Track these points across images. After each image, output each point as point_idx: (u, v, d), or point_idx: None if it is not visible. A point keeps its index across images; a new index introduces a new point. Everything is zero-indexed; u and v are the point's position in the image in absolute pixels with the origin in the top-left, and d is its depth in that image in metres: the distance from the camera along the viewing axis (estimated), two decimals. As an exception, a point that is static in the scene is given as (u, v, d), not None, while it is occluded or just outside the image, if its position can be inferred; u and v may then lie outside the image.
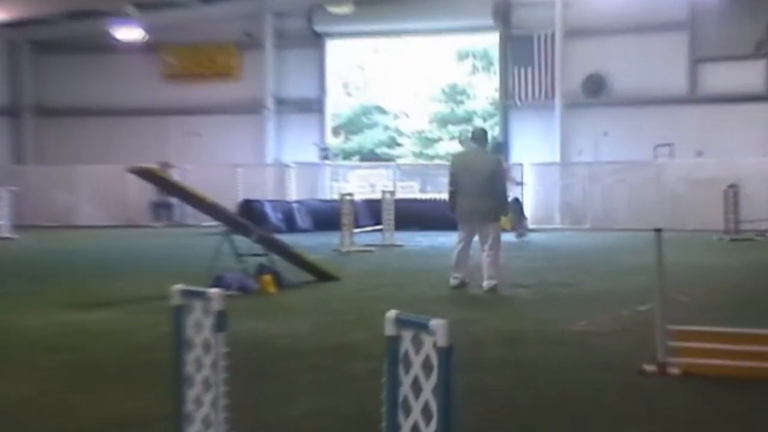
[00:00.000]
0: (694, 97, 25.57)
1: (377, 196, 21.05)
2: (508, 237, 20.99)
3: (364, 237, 18.90)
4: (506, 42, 27.79)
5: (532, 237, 21.41)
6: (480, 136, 11.91)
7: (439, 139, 41.44)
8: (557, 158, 26.70)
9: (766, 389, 5.99)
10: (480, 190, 11.45)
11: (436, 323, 3.33)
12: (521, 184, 20.86)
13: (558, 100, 26.60)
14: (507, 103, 28.03)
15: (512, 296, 10.92)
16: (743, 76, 24.85)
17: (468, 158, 11.81)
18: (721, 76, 25.15)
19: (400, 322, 3.56)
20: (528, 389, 6.07)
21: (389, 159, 37.77)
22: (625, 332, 8.14)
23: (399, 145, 42.76)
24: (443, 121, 41.96)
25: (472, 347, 7.36)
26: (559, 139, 26.72)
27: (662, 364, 6.41)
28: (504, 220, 23.48)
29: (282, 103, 29.21)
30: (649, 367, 6.43)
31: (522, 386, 6.17)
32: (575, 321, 8.77)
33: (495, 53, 30.77)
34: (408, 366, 3.51)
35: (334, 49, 29.86)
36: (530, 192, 26.17)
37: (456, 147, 40.28)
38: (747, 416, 5.43)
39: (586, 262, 15.10)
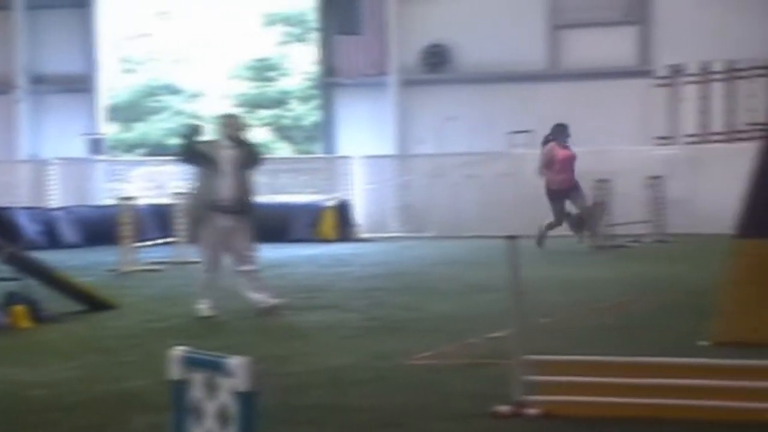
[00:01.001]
0: (555, 73, 26.43)
1: (168, 200, 20.75)
2: (335, 248, 21.18)
3: (151, 253, 18.58)
4: (326, 4, 27.96)
5: (364, 249, 21.61)
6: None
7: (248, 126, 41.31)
8: (393, 149, 27.06)
9: (646, 430, 6.21)
10: None
11: (234, 362, 3.29)
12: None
13: (392, 77, 26.97)
14: (329, 81, 28.19)
15: (339, 324, 10.97)
16: (612, 46, 25.86)
17: None
18: (587, 47, 26.08)
19: (189, 362, 3.51)
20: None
21: (182, 152, 37.29)
22: (476, 366, 8.30)
23: (195, 134, 42.26)
24: (252, 104, 41.79)
25: (286, 392, 7.32)
26: (395, 126, 27.10)
27: (519, 403, 6.55)
28: (326, 227, 24.06)
29: (38, 81, 28.40)
30: (504, 409, 6.56)
31: (350, 439, 6.19)
32: (416, 353, 8.88)
33: (313, 18, 30.88)
34: (199, 417, 3.46)
35: (106, 10, 29.27)
36: (360, 192, 26.41)
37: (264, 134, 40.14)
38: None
39: (429, 279, 15.34)
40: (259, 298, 11.72)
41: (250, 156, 11.95)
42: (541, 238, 19.78)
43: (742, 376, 6.42)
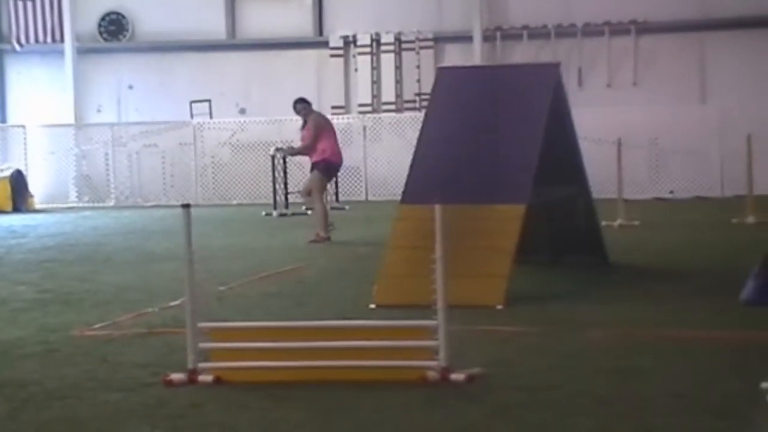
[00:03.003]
0: (235, 42, 26.41)
1: None
2: (10, 219, 20.39)
3: None
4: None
5: (40, 220, 20.95)
6: None
7: None
8: (71, 118, 26.30)
9: (316, 392, 6.32)
10: None
11: None
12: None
13: (69, 44, 26.15)
14: (1, 48, 27.07)
15: (9, 297, 10.60)
16: (288, 16, 26.08)
17: None
18: (264, 17, 26.20)
19: None
20: (20, 422, 5.89)
21: None
22: (151, 335, 8.21)
23: None
24: None
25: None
26: (73, 94, 26.32)
27: (193, 371, 6.53)
28: (1, 198, 23.02)
29: None
30: (177, 377, 6.53)
31: (13, 418, 5.96)
32: (89, 325, 8.69)
33: (-16, -18, 29.51)
34: None
35: None
36: (37, 162, 25.57)
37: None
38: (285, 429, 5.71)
39: (106, 249, 15.07)
40: None
41: None
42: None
43: (399, 336, 6.66)
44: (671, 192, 23.59)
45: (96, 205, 24.75)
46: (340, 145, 15.90)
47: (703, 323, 8.28)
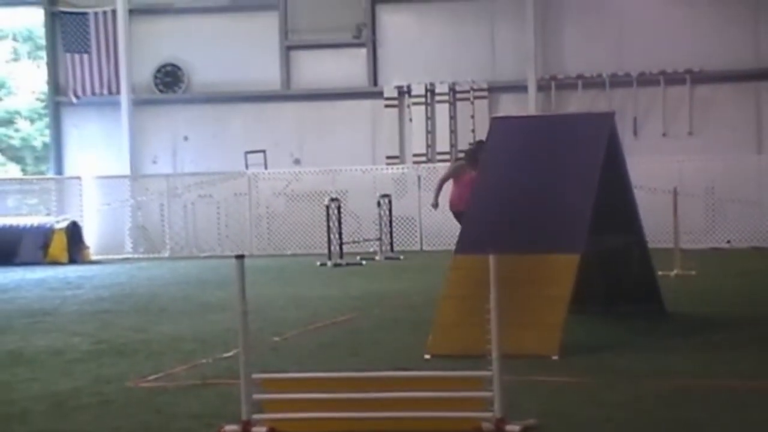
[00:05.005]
0: (289, 93, 26.67)
1: None
2: (66, 270, 20.63)
3: None
4: (54, 20, 27.31)
5: (95, 271, 21.16)
6: None
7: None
8: (127, 169, 26.61)
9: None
10: None
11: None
12: None
13: (124, 96, 26.53)
14: (58, 100, 27.51)
15: (65, 348, 10.71)
16: (343, 67, 26.32)
17: None
18: (318, 68, 26.45)
19: None
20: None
21: None
22: (206, 386, 8.26)
23: None
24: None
25: (6, 420, 7.09)
26: (128, 145, 26.66)
27: (247, 422, 6.56)
28: (57, 249, 23.29)
29: None
30: (231, 428, 6.56)
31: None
32: (143, 376, 8.76)
33: (42, 35, 30.04)
34: None
35: None
36: (93, 213, 25.87)
37: None
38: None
39: (161, 300, 15.16)
40: None
41: None
42: None
43: (453, 386, 6.65)
44: (728, 242, 23.37)
45: (151, 255, 24.98)
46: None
47: (759, 374, 8.20)
